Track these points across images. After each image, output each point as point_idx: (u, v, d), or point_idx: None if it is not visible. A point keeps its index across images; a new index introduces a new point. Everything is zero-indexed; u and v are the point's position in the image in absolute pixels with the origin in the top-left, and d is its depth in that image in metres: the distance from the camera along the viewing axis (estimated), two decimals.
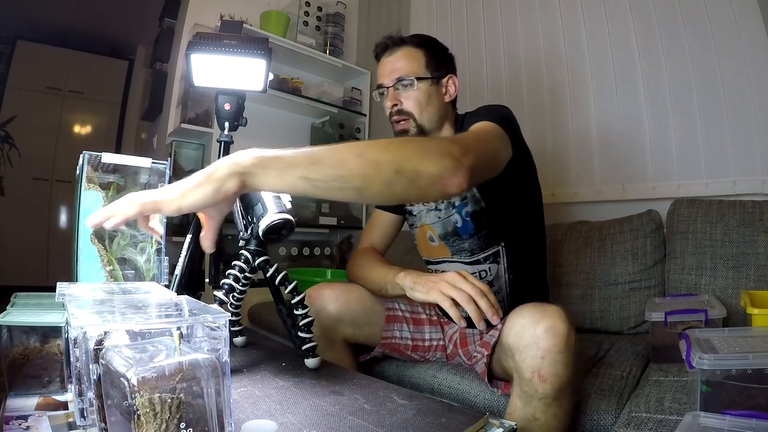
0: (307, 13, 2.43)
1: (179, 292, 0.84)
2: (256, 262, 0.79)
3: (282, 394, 0.67)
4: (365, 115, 2.59)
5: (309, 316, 0.82)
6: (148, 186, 0.79)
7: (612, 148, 1.71)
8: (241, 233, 0.81)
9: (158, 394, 0.36)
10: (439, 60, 1.08)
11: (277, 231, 0.76)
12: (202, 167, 0.56)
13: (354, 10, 2.76)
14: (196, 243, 0.92)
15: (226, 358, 0.41)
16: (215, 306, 0.47)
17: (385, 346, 1.13)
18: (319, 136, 2.51)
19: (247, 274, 0.79)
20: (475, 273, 1.05)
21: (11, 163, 3.48)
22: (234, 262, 0.79)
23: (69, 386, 0.64)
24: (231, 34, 0.91)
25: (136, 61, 3.93)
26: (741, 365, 0.64)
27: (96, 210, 0.74)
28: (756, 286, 1.14)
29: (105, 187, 0.76)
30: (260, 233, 0.76)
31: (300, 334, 0.81)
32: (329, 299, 1.06)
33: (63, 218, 3.61)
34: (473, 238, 1.05)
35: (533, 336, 0.74)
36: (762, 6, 1.37)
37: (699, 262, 1.26)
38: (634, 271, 1.37)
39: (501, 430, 0.61)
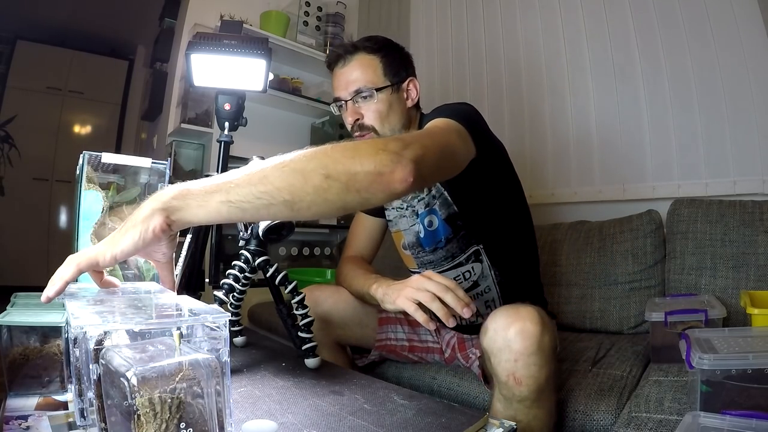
0: (307, 13, 2.43)
1: (179, 292, 0.84)
2: (256, 262, 0.79)
3: (282, 394, 0.67)
4: None
5: (309, 316, 0.82)
6: (148, 186, 0.79)
7: (612, 148, 1.71)
8: (241, 233, 0.81)
9: (158, 394, 0.36)
10: (396, 64, 1.03)
11: (277, 231, 0.76)
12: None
13: (354, 10, 2.75)
14: (196, 243, 0.92)
15: (226, 358, 0.41)
16: (215, 306, 0.47)
17: (380, 348, 1.13)
18: (319, 136, 2.51)
19: (247, 274, 0.79)
20: (459, 276, 1.04)
21: (11, 163, 3.48)
22: (234, 262, 0.79)
23: (69, 386, 0.64)
24: (231, 34, 0.91)
25: (136, 61, 3.93)
26: (741, 365, 0.64)
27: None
28: (756, 286, 1.14)
29: (105, 187, 0.76)
30: (260, 233, 0.76)
31: (300, 334, 0.81)
32: (318, 301, 1.05)
33: (63, 218, 3.61)
34: (452, 242, 1.03)
35: (505, 339, 0.74)
36: (762, 6, 1.37)
37: (699, 262, 1.26)
38: (634, 271, 1.37)
39: (501, 430, 0.61)
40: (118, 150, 3.68)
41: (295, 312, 0.83)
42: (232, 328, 0.89)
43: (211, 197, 0.50)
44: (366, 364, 1.17)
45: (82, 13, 3.46)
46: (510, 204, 1.06)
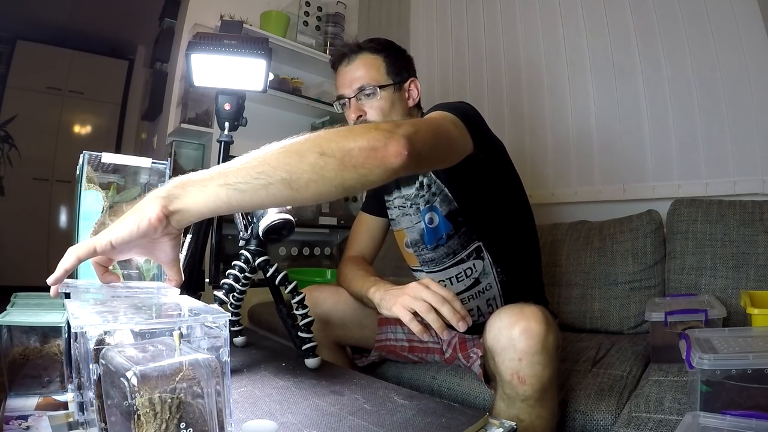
0: (307, 13, 2.43)
1: (179, 292, 0.84)
2: (256, 262, 0.79)
3: (282, 394, 0.67)
4: None
5: (309, 316, 0.82)
6: (148, 186, 0.79)
7: (612, 148, 1.71)
8: (241, 233, 0.81)
9: (158, 394, 0.36)
10: (399, 64, 1.05)
11: (277, 231, 0.76)
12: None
13: (354, 10, 2.75)
14: (196, 243, 0.92)
15: (226, 358, 0.41)
16: (215, 306, 0.47)
17: (380, 348, 1.13)
18: None
19: (247, 274, 0.79)
20: (460, 272, 1.04)
21: (11, 163, 3.47)
22: (234, 262, 0.79)
23: (69, 386, 0.65)
24: (231, 34, 0.91)
25: (136, 61, 3.93)
26: (741, 365, 0.64)
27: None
28: (756, 286, 1.14)
29: (105, 187, 0.76)
30: (260, 233, 0.76)
31: (300, 334, 0.81)
32: (318, 301, 1.06)
33: (63, 218, 3.61)
34: (453, 239, 1.03)
35: (509, 338, 0.74)
36: (762, 6, 1.37)
37: (699, 262, 1.26)
38: (634, 271, 1.37)
39: (501, 430, 0.61)
40: (118, 150, 3.68)
41: (295, 312, 0.83)
42: (232, 328, 0.89)
43: (210, 182, 0.51)
44: (366, 364, 1.17)
45: (82, 13, 3.46)
46: (511, 202, 1.06)
